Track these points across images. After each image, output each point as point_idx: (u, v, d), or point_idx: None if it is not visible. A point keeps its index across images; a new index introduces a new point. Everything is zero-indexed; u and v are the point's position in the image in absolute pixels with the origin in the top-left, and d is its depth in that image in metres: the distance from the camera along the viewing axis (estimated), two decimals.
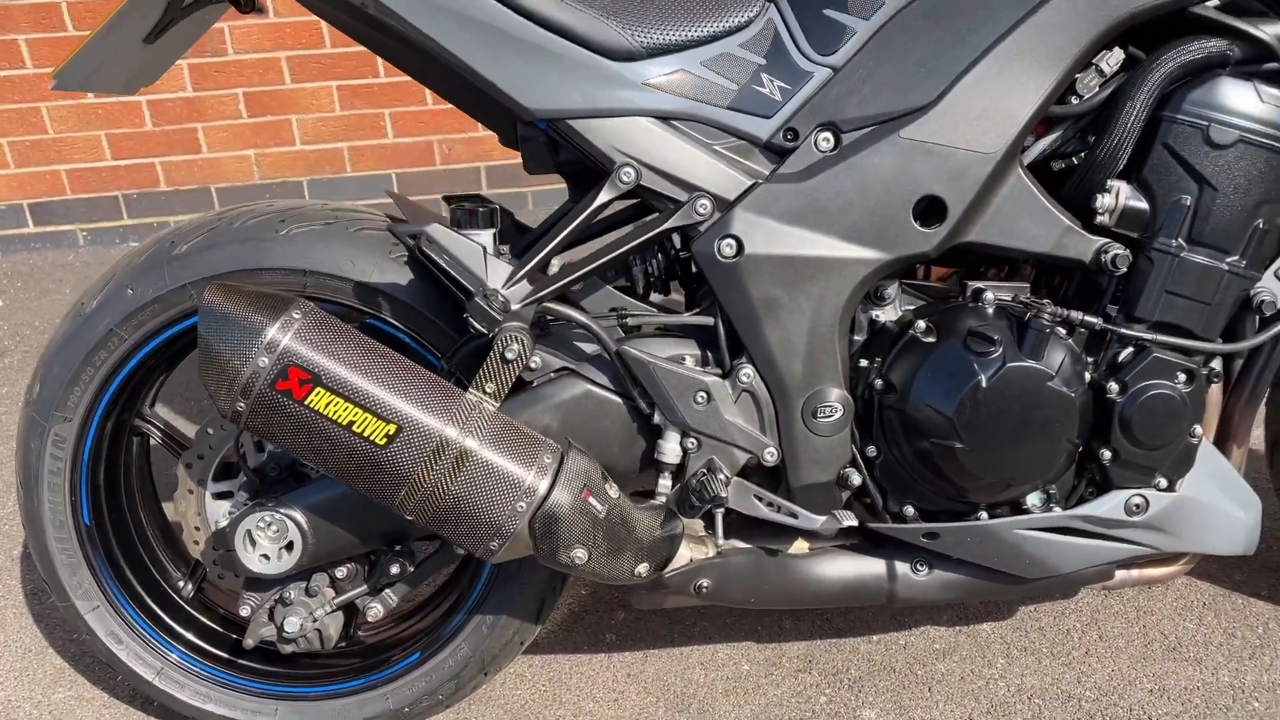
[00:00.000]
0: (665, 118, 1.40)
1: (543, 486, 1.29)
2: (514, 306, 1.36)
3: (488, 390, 1.34)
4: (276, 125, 3.64)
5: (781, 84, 1.41)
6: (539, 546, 1.31)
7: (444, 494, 1.28)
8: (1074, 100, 1.38)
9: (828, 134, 1.39)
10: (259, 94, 3.59)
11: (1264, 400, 1.47)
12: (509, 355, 1.32)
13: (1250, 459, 1.60)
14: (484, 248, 1.37)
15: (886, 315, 1.47)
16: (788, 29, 1.42)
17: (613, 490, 1.36)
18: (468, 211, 1.39)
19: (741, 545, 1.52)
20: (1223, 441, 1.52)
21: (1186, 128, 1.32)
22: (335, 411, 1.25)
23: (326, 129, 3.66)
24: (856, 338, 1.48)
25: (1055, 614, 1.92)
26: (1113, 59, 1.36)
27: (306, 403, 1.25)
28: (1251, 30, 1.31)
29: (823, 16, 1.40)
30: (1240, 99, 1.31)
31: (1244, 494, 1.50)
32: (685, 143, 1.41)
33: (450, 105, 3.32)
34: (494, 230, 1.40)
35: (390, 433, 1.26)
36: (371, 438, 1.26)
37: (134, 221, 3.72)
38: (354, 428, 1.25)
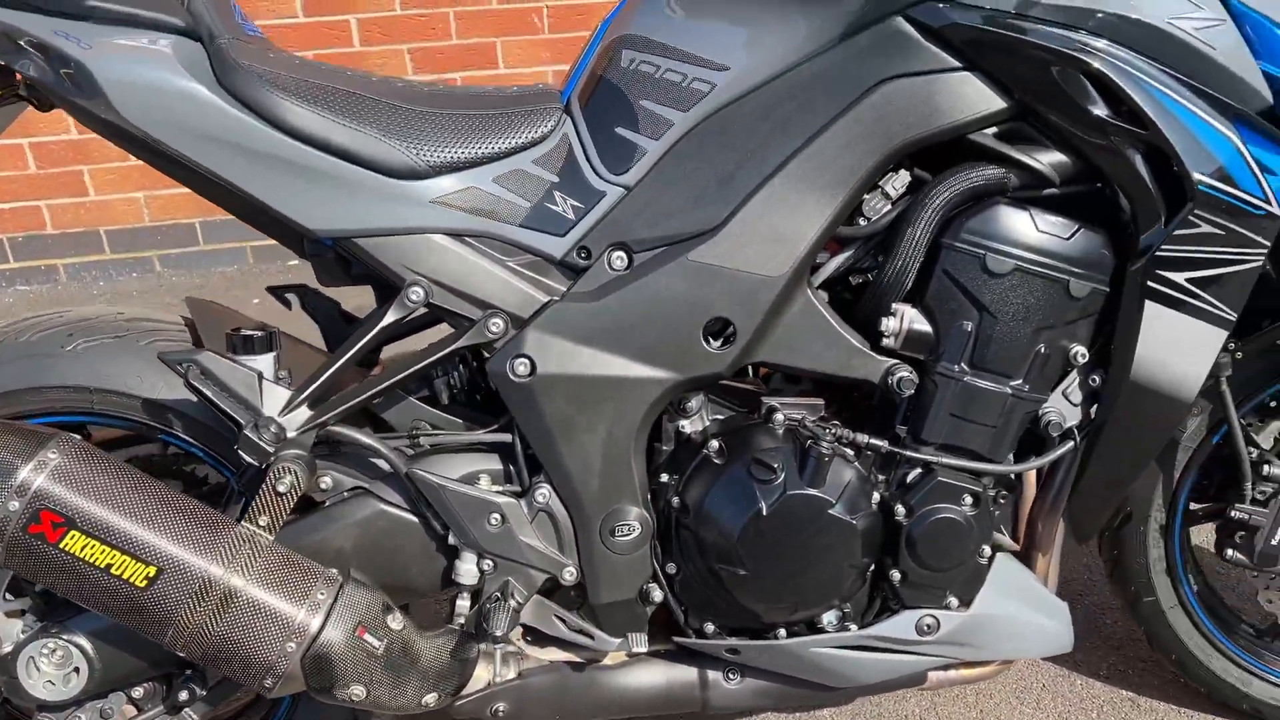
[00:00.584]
0: (457, 235, 1.38)
1: (314, 625, 1.27)
2: (291, 434, 1.33)
3: (261, 523, 1.31)
4: None
5: (575, 202, 1.39)
6: (311, 684, 1.28)
7: (211, 634, 1.25)
8: (862, 222, 1.37)
9: (621, 253, 1.38)
10: None
11: (1063, 510, 1.47)
12: (280, 488, 1.30)
13: None
14: (260, 374, 1.34)
15: (692, 426, 1.46)
16: (581, 146, 1.40)
17: (395, 622, 1.33)
18: (243, 338, 1.36)
19: (548, 660, 1.50)
20: (1028, 550, 1.53)
21: (964, 256, 1.32)
22: (92, 555, 1.22)
23: None
24: (665, 447, 1.47)
25: (895, 698, 1.93)
26: (898, 182, 1.36)
27: (61, 546, 1.21)
28: (1026, 160, 1.31)
29: (615, 135, 1.38)
30: (1016, 228, 1.31)
31: (1048, 602, 1.51)
32: (479, 260, 1.39)
33: None
34: (274, 353, 1.38)
35: (151, 575, 1.23)
36: (131, 580, 1.22)
37: (20, 265, 3.64)
38: (112, 570, 1.22)
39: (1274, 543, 1.58)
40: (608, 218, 1.38)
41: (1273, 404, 1.66)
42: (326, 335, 1.58)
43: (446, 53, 3.57)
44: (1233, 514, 1.59)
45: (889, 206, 1.36)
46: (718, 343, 1.37)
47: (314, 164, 1.32)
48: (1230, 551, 1.64)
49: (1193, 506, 1.74)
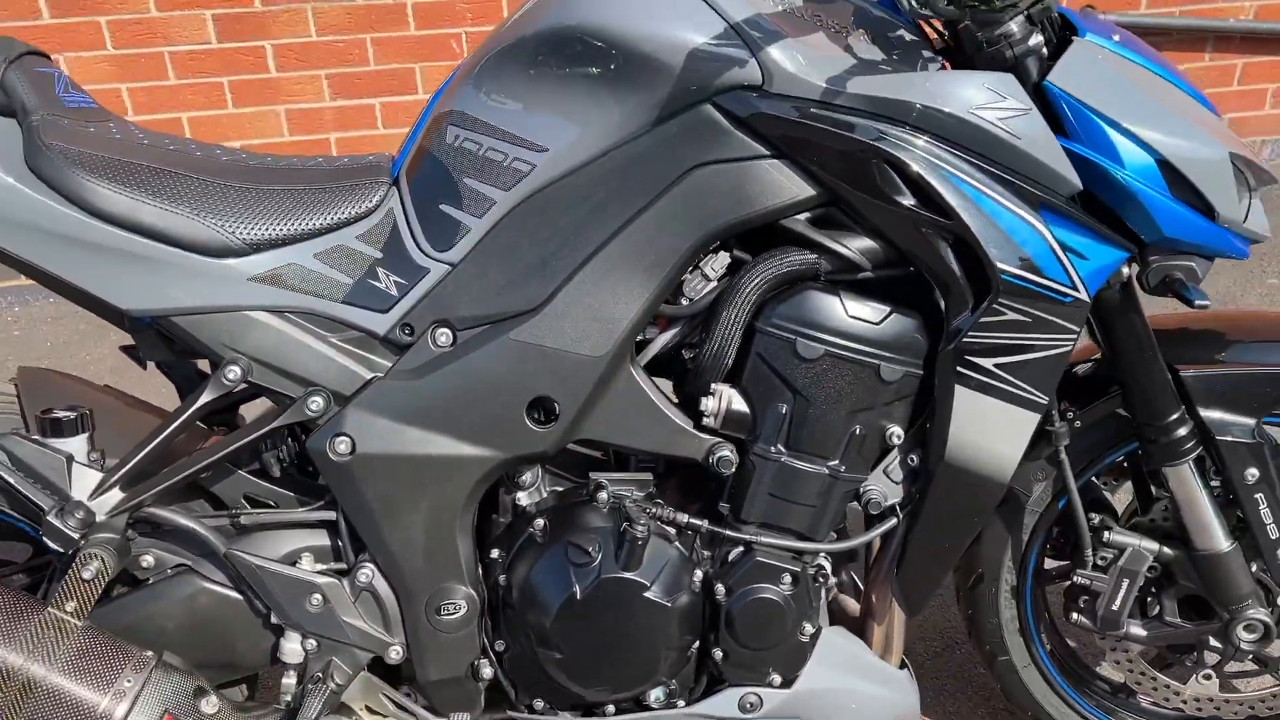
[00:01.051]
0: (278, 311, 1.37)
1: (118, 712, 1.26)
2: (101, 518, 1.32)
3: (68, 609, 1.30)
4: None
5: (398, 278, 1.38)
6: None
7: None
8: (684, 301, 1.37)
9: (444, 331, 1.37)
10: None
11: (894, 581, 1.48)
12: (86, 575, 1.29)
13: None
14: (69, 457, 1.33)
15: (528, 498, 1.45)
16: (406, 222, 1.40)
17: (208, 705, 1.32)
18: (53, 420, 1.35)
19: None
20: (865, 618, 1.53)
21: (776, 340, 1.32)
22: None
23: None
24: (501, 519, 1.47)
25: None
26: (718, 263, 1.36)
27: None
28: (836, 247, 1.31)
29: (439, 211, 1.37)
30: (826, 313, 1.31)
31: (883, 672, 1.51)
32: (301, 336, 1.38)
33: None
34: (86, 435, 1.36)
35: None
36: None
37: None
38: None
39: (1114, 608, 1.59)
40: (431, 295, 1.38)
41: (1125, 464, 1.68)
42: (183, 393, 1.57)
43: (365, 79, 3.55)
44: (1075, 579, 1.61)
45: (709, 286, 1.36)
46: (541, 421, 1.36)
47: (124, 246, 1.31)
48: (1075, 615, 1.65)
49: (1047, 565, 1.75)
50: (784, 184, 1.28)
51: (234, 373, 1.35)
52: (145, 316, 1.36)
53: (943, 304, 1.32)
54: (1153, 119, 1.30)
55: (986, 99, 1.25)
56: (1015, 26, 1.27)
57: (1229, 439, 1.48)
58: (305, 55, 3.48)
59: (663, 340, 1.41)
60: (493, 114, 1.34)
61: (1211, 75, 4.08)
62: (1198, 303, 1.31)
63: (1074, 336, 1.31)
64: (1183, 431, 1.47)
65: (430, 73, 3.57)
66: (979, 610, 1.75)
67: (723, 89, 1.26)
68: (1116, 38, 1.37)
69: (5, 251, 1.30)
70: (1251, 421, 1.49)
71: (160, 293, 1.34)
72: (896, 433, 1.36)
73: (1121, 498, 1.75)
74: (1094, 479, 1.67)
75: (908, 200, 1.25)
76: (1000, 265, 1.26)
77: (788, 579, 1.39)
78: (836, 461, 1.36)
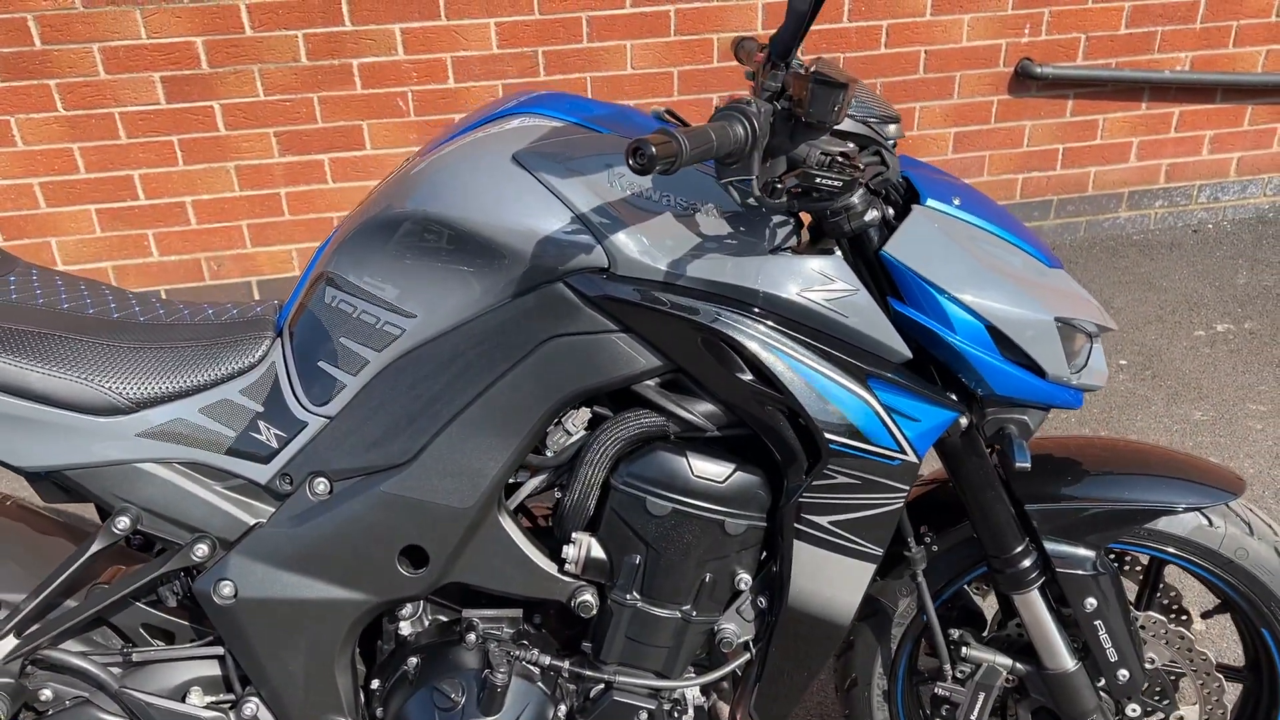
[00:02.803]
0: (166, 463, 1.46)
1: None
2: None
3: None
4: (36, 247, 3.62)
5: (278, 431, 1.47)
6: None
7: None
8: (548, 454, 1.46)
9: (322, 481, 1.46)
10: (13, 218, 3.57)
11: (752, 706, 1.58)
12: None
13: None
14: None
15: (410, 628, 1.54)
16: (288, 376, 1.48)
17: None
18: None
19: None
20: None
21: (629, 497, 1.42)
22: None
23: (88, 249, 3.65)
24: (386, 646, 1.56)
25: None
26: (578, 419, 1.44)
27: None
28: (682, 412, 1.40)
29: (318, 368, 1.46)
30: (673, 473, 1.40)
31: None
32: (188, 486, 1.47)
33: (215, 225, 3.27)
34: None
35: None
36: None
37: None
38: None
39: (972, 718, 1.69)
40: (309, 447, 1.46)
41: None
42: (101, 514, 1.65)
43: (312, 136, 3.62)
44: (936, 690, 1.70)
45: (570, 440, 1.45)
46: (413, 567, 1.45)
47: (14, 412, 1.40)
48: None
49: (920, 665, 1.85)
50: (632, 356, 1.37)
51: (123, 523, 1.44)
52: (40, 471, 1.45)
53: (780, 466, 1.41)
54: (982, 286, 1.38)
55: (815, 282, 1.34)
56: (856, 199, 1.36)
57: (1069, 571, 1.58)
58: (253, 114, 3.55)
59: (531, 485, 1.50)
60: (364, 280, 1.43)
61: (1149, 122, 4.16)
62: (1018, 464, 1.40)
63: (903, 494, 1.40)
64: (1027, 563, 1.57)
65: (377, 129, 3.64)
66: (854, 711, 1.85)
67: (572, 271, 1.35)
68: (957, 201, 1.45)
69: None
70: (1091, 554, 1.58)
71: (52, 452, 1.42)
72: (744, 579, 1.46)
73: (992, 602, 1.85)
74: (965, 586, 1.77)
75: (745, 376, 1.34)
76: (828, 435, 1.35)
77: (644, 716, 1.49)
78: (689, 606, 1.46)
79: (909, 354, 1.38)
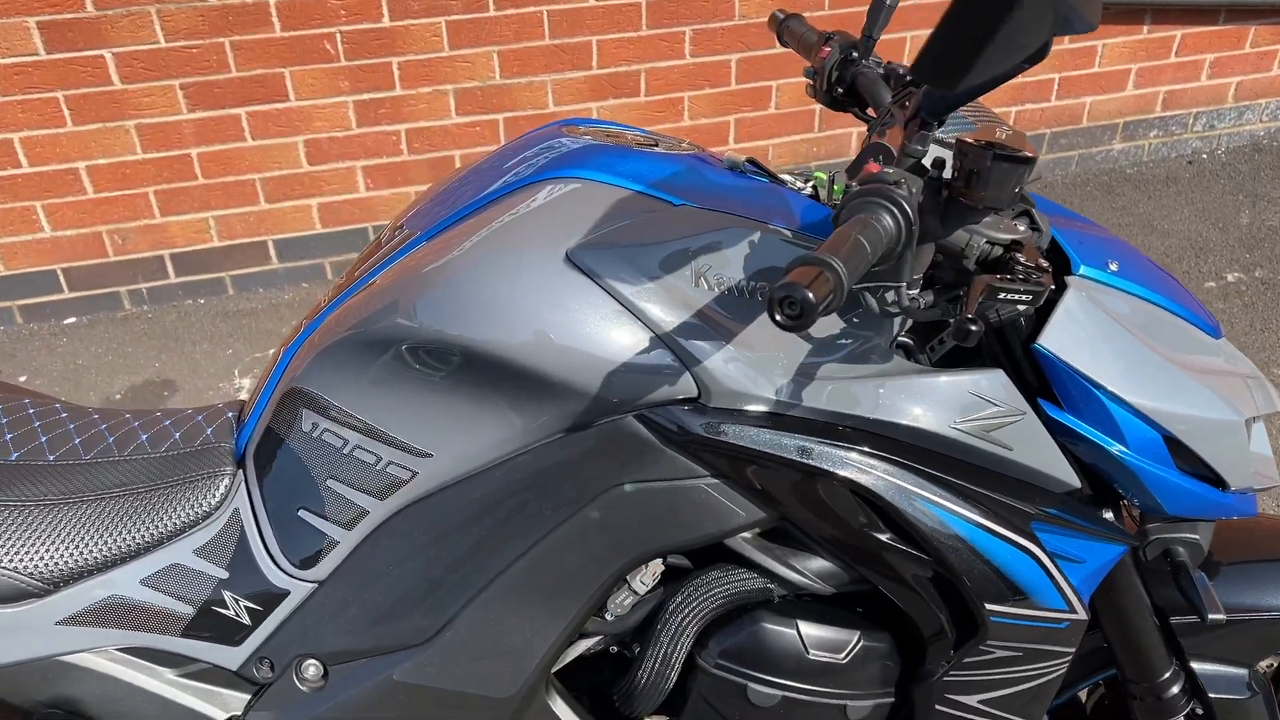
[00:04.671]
0: (101, 650, 1.10)
1: None
2: None
3: None
4: None
5: (250, 603, 1.11)
6: None
7: None
8: (608, 616, 1.13)
9: (313, 665, 1.12)
10: None
11: None
12: None
13: None
14: None
15: None
16: (257, 529, 1.11)
17: None
18: None
19: None
20: None
21: (723, 683, 1.10)
22: None
23: None
24: None
25: None
26: (648, 575, 1.11)
27: None
28: (790, 574, 1.07)
29: (298, 519, 1.10)
30: (783, 654, 1.08)
31: None
32: (134, 678, 1.11)
33: (116, 193, 2.80)
34: None
35: None
36: None
37: None
38: None
39: None
40: (293, 622, 1.11)
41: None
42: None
43: (226, 87, 3.11)
44: None
45: (637, 601, 1.12)
46: None
47: None
48: None
49: None
50: (726, 508, 1.03)
51: None
52: None
53: (916, 638, 1.10)
54: (1158, 385, 1.07)
55: (971, 409, 1.01)
56: None
57: (1224, 697, 1.31)
58: (153, 63, 3.02)
59: (582, 648, 1.17)
60: (358, 406, 1.06)
61: (1149, 48, 3.85)
62: (1211, 617, 1.12)
63: (1068, 659, 1.11)
64: (1175, 690, 1.30)
65: (302, 77, 3.14)
66: None
67: (651, 404, 0.99)
68: (1114, 266, 1.12)
69: None
70: (1244, 672, 1.32)
71: None
72: None
73: None
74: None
75: (880, 534, 1.02)
76: (989, 607, 1.04)
77: None
78: None
79: (1078, 484, 1.06)
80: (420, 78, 3.25)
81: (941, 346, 1.05)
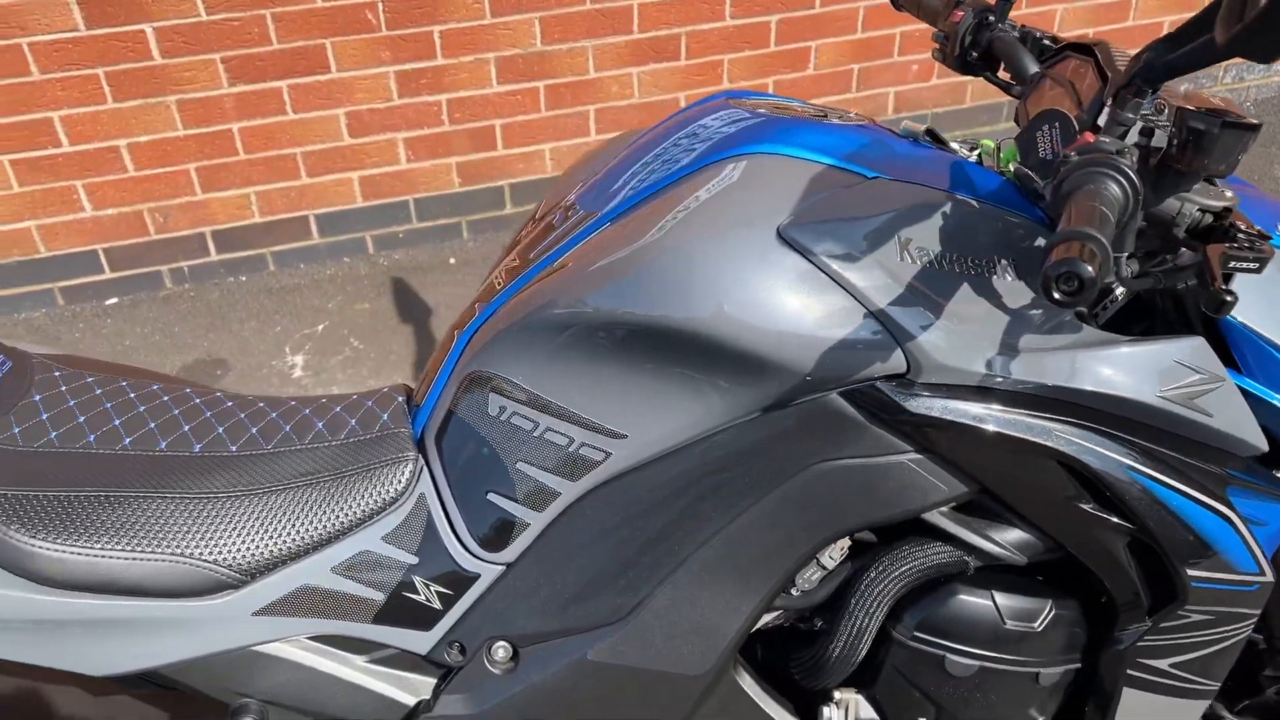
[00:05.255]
0: (294, 640, 1.10)
1: None
2: None
3: None
4: None
5: (440, 588, 1.11)
6: None
7: None
8: (794, 592, 1.14)
9: (503, 647, 1.12)
10: None
11: None
12: None
13: None
14: None
15: None
16: (445, 514, 1.11)
17: None
18: None
19: None
20: None
21: (920, 655, 1.11)
22: None
23: (5, 208, 3.07)
24: None
25: None
26: (835, 551, 1.12)
27: None
28: (984, 544, 1.08)
29: (486, 502, 1.10)
30: (979, 624, 1.10)
31: None
32: (325, 666, 1.11)
33: (157, 170, 2.75)
34: None
35: None
36: None
37: None
38: None
39: None
40: (483, 605, 1.12)
41: None
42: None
43: (267, 59, 3.06)
44: None
45: (825, 576, 1.13)
46: None
47: (88, 614, 1.01)
48: None
49: None
50: (927, 482, 1.04)
51: None
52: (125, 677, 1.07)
53: (1109, 603, 1.11)
54: None
55: (1176, 377, 1.01)
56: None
57: None
58: (194, 37, 2.97)
59: (763, 622, 1.18)
60: (550, 389, 1.05)
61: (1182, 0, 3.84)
62: None
63: (1254, 621, 1.13)
64: None
65: (343, 48, 3.10)
66: None
67: (856, 381, 0.99)
68: None
69: None
70: None
71: (144, 653, 1.05)
72: None
73: None
74: None
75: (1085, 504, 1.03)
76: (1190, 572, 1.05)
77: None
78: None
79: (1266, 446, 1.07)
80: (462, 46, 3.20)
81: (1105, 313, 1.05)
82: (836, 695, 1.15)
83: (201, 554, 1.03)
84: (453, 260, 3.47)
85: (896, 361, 0.98)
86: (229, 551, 1.05)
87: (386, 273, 3.41)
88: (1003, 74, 1.37)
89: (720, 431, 1.03)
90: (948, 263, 1.00)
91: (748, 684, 1.16)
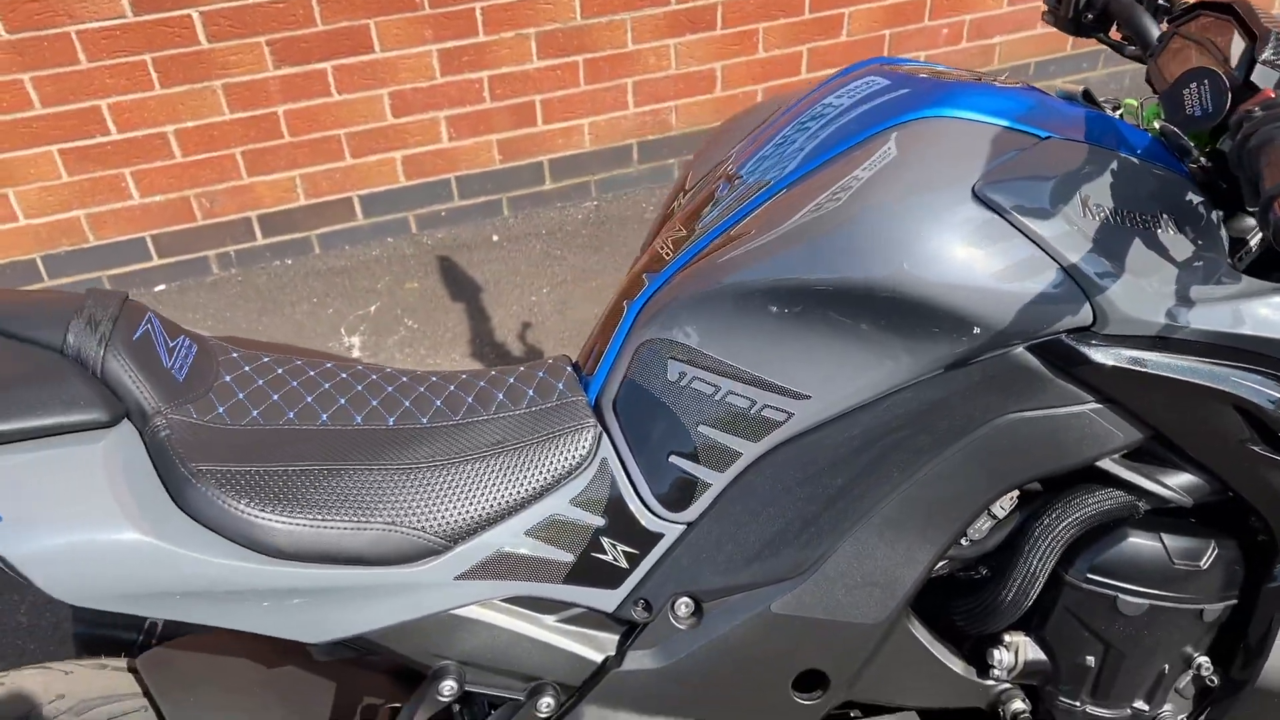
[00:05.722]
0: (489, 603, 1.14)
1: None
2: None
3: None
4: None
5: (626, 547, 1.15)
6: None
7: None
8: (964, 543, 1.19)
9: (685, 602, 1.16)
10: None
11: None
12: None
13: None
14: None
15: None
16: (628, 476, 1.15)
17: None
18: None
19: None
20: None
21: (1092, 596, 1.16)
22: None
23: (54, 198, 3.07)
24: None
25: None
26: (1005, 500, 1.17)
27: None
28: (1154, 487, 1.13)
29: (669, 464, 1.13)
30: (1150, 565, 1.14)
31: None
32: (518, 626, 1.16)
33: (204, 155, 2.74)
34: None
35: None
36: None
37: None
38: None
39: None
40: (667, 563, 1.16)
41: None
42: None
43: (312, 41, 3.06)
44: None
45: (994, 525, 1.18)
46: (807, 693, 1.19)
47: (307, 583, 1.05)
48: None
49: None
50: (1106, 430, 1.08)
51: (449, 686, 1.13)
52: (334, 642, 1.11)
53: (1270, 540, 1.16)
54: None
55: None
56: None
57: None
58: (239, 20, 2.97)
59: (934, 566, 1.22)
60: (732, 353, 1.09)
61: None
62: None
63: None
64: None
65: (386, 28, 3.10)
66: None
67: (1043, 334, 1.04)
68: None
69: (166, 617, 1.02)
70: None
71: (357, 619, 1.09)
72: (1204, 664, 1.23)
73: None
74: None
75: (1258, 447, 1.07)
76: None
77: None
78: (1141, 702, 1.23)
79: None
80: (502, 22, 3.21)
81: (1248, 256, 1.10)
82: (1005, 638, 1.20)
83: (411, 522, 1.07)
84: (495, 237, 3.49)
85: (1084, 314, 1.02)
86: (434, 519, 1.08)
87: (431, 251, 3.43)
88: (1114, 34, 1.41)
89: (904, 388, 1.07)
90: (1121, 218, 1.04)
91: (919, 630, 1.20)
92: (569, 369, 1.24)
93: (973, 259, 1.00)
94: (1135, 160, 1.07)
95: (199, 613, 1.02)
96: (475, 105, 3.33)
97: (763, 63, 3.57)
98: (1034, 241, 1.00)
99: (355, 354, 3.04)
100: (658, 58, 3.45)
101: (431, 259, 3.39)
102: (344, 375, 1.20)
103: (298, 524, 1.02)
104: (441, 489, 1.09)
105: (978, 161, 1.03)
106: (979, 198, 1.01)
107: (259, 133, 3.16)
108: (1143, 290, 1.03)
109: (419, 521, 1.08)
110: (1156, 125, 1.15)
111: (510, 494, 1.12)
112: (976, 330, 1.02)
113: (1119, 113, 1.25)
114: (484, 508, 1.11)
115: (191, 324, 3.15)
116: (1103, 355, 1.03)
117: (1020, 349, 1.04)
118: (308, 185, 3.30)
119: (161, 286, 3.31)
